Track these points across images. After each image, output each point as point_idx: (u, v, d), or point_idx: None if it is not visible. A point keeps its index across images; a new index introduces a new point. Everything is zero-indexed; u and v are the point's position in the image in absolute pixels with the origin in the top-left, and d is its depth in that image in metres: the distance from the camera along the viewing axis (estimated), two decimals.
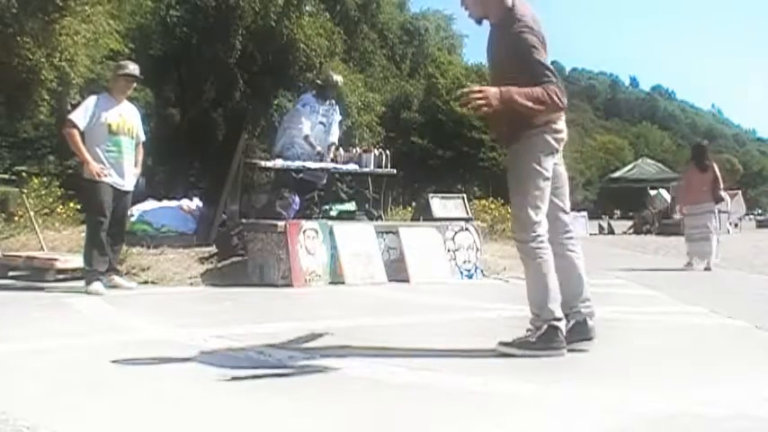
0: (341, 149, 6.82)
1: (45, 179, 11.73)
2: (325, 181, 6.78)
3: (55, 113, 13.65)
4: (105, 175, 4.88)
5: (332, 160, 6.70)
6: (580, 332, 2.86)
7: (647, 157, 47.76)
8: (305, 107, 6.66)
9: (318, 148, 6.51)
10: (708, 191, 7.67)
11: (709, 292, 5.27)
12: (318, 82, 7.34)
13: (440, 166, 29.00)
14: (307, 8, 19.38)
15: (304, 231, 5.45)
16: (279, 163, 6.51)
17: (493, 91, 2.63)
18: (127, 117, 5.15)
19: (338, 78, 7.15)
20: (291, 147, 6.54)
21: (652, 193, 21.94)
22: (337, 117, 6.94)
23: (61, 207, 10.10)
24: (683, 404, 2.03)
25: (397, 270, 5.76)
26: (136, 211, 7.33)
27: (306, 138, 6.50)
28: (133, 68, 5.31)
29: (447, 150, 29.28)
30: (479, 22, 2.95)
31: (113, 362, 2.65)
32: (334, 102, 6.93)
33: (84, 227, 8.35)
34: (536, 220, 2.77)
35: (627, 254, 10.97)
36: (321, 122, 6.66)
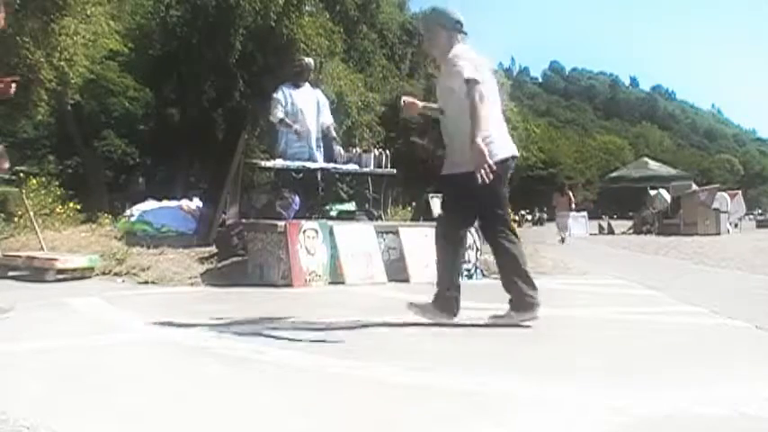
0: (341, 150, 6.80)
1: (44, 179, 11.75)
2: (322, 165, 6.67)
3: (54, 113, 13.66)
4: None
5: (333, 139, 6.69)
6: None
7: (647, 157, 47.73)
8: (277, 93, 6.66)
9: (296, 127, 6.40)
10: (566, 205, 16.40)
11: (709, 292, 5.27)
12: (294, 70, 7.27)
13: (440, 166, 28.96)
14: (307, 8, 19.37)
15: (304, 231, 5.45)
16: (279, 163, 6.52)
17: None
18: None
19: (308, 60, 7.11)
20: (290, 147, 6.52)
21: (652, 193, 21.89)
22: (324, 99, 6.90)
23: (61, 207, 10.12)
24: (683, 404, 2.03)
25: (397, 270, 5.75)
26: (136, 211, 7.35)
27: (281, 121, 6.47)
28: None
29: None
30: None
31: (113, 362, 2.65)
32: (312, 85, 6.88)
33: (84, 227, 8.36)
34: None
35: (627, 254, 10.97)
36: (308, 102, 6.58)
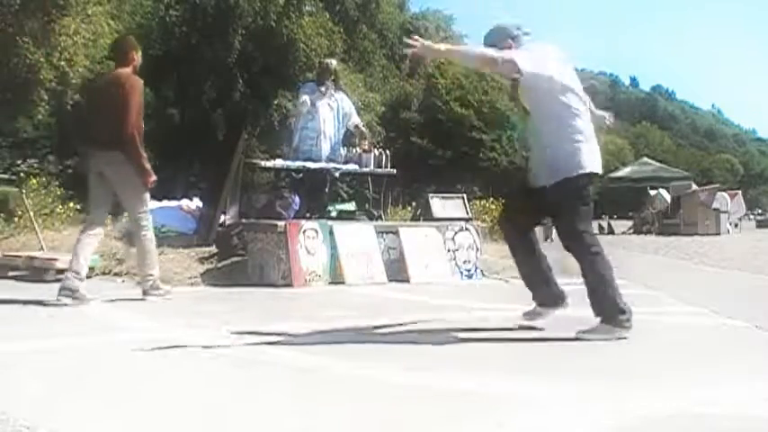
0: (342, 149, 6.80)
1: (44, 179, 11.73)
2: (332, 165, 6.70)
3: (54, 114, 13.65)
4: None
5: (362, 139, 6.89)
6: None
7: (647, 157, 47.69)
8: (303, 87, 6.87)
9: (307, 98, 6.51)
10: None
11: (709, 292, 5.27)
12: (316, 71, 7.41)
13: (440, 166, 28.98)
14: (306, 8, 19.38)
15: (304, 231, 5.45)
16: (279, 163, 6.51)
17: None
18: None
19: (331, 61, 7.17)
20: (303, 144, 6.55)
21: (652, 193, 21.87)
22: (348, 102, 6.95)
23: (61, 207, 10.09)
24: (683, 404, 2.03)
25: (397, 270, 5.75)
26: None
27: (304, 105, 6.54)
28: None
29: (447, 150, 29.26)
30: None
31: (113, 362, 2.66)
32: (333, 87, 6.93)
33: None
34: None
35: (627, 254, 10.96)
36: (328, 104, 6.65)
